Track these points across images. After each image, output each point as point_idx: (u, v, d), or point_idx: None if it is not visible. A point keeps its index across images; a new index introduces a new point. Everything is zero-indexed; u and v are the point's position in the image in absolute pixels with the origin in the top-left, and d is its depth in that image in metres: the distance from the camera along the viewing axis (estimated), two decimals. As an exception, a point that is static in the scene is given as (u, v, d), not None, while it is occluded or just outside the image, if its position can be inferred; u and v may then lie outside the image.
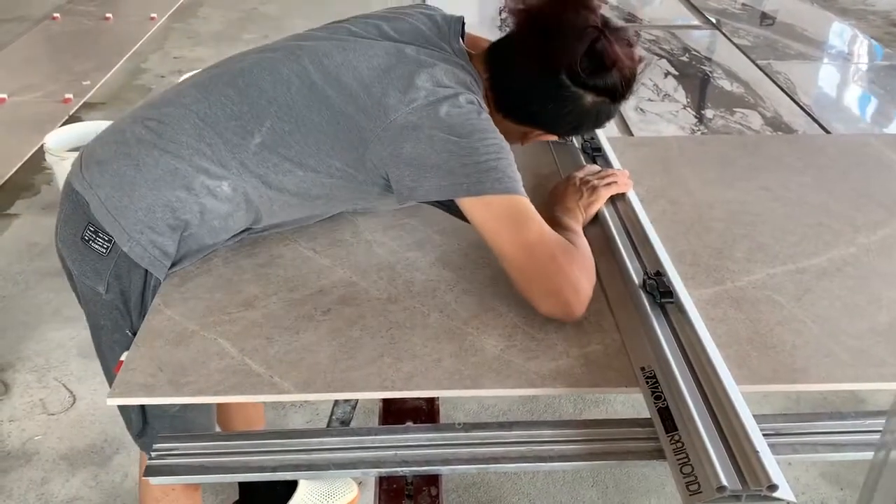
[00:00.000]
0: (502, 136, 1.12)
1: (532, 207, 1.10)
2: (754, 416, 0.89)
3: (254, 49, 1.26)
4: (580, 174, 1.32)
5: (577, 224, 1.20)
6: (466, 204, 1.09)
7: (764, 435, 0.86)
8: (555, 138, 1.33)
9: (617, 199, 1.31)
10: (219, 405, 1.59)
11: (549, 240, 1.08)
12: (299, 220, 1.26)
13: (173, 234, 1.14)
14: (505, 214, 1.08)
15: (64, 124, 3.44)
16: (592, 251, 1.22)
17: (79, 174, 1.16)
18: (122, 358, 1.03)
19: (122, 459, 1.98)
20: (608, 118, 1.22)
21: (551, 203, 1.27)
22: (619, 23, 1.17)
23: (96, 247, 1.14)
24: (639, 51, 1.17)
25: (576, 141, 1.51)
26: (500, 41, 1.22)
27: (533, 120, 1.22)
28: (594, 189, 1.27)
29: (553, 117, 1.19)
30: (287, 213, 1.21)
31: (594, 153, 1.46)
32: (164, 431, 1.21)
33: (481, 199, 1.08)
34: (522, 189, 1.10)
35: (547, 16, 1.14)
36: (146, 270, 1.15)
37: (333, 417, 1.74)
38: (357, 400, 1.86)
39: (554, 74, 1.13)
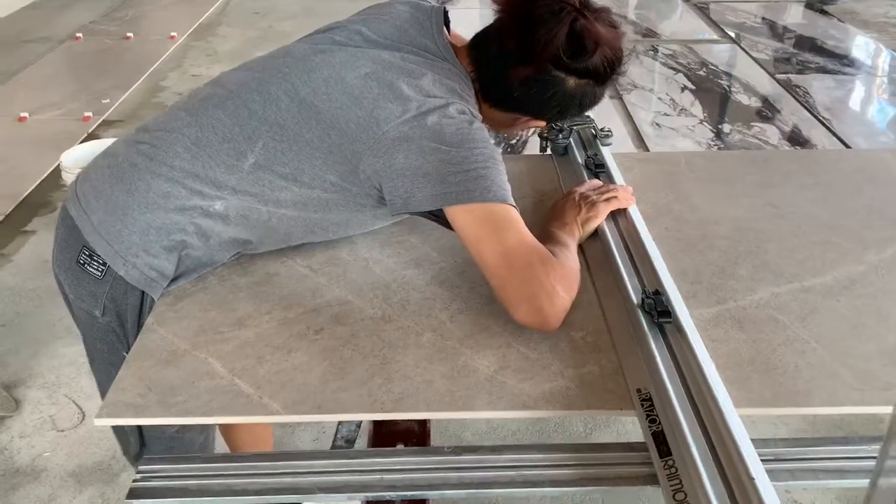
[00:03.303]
0: (494, 146, 1.11)
1: (517, 216, 1.08)
2: (756, 440, 0.87)
3: (240, 66, 1.25)
4: (581, 189, 1.31)
5: (571, 239, 1.18)
6: (452, 211, 1.08)
7: (763, 460, 0.83)
8: (543, 124, 1.32)
9: (618, 215, 1.29)
10: (224, 424, 1.58)
11: (528, 247, 1.06)
12: (298, 236, 1.24)
13: (170, 256, 1.14)
14: (486, 220, 1.07)
15: (82, 142, 3.48)
16: (591, 267, 1.19)
17: (74, 199, 1.17)
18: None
19: (129, 477, 1.96)
20: (594, 101, 1.20)
21: (550, 218, 1.25)
22: (600, 4, 1.14)
23: (91, 270, 1.14)
24: (623, 32, 1.14)
25: (579, 156, 1.50)
26: (482, 31, 1.21)
27: (518, 107, 1.20)
28: (593, 205, 1.25)
29: (537, 103, 1.17)
30: (286, 227, 1.20)
31: (597, 169, 1.44)
32: (161, 454, 1.21)
33: (467, 206, 1.07)
34: (511, 198, 1.08)
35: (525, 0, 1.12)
36: (143, 292, 1.15)
37: (338, 436, 1.73)
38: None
39: (534, 59, 1.11)
